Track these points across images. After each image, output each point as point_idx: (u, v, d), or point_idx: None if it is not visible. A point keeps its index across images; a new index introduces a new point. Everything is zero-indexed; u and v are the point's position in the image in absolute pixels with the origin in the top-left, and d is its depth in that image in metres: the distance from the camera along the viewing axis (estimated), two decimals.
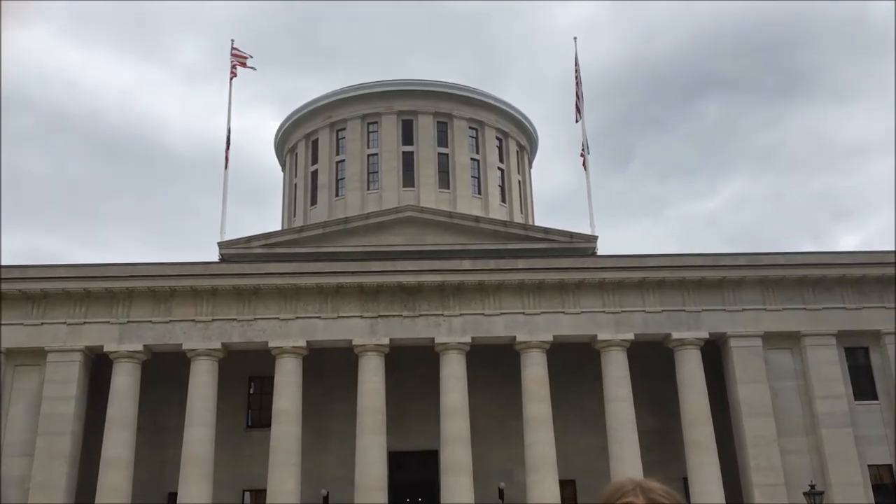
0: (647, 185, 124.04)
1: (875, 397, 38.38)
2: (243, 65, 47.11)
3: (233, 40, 47.57)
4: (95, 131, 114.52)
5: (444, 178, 51.12)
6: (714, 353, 39.61)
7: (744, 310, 38.65)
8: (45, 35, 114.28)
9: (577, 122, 47.81)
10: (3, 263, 38.14)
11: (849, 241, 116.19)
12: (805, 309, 38.84)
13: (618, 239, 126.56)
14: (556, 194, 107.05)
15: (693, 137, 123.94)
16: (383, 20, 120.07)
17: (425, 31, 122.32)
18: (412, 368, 39.84)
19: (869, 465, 37.04)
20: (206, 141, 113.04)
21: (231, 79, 47.14)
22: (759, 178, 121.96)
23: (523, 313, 38.18)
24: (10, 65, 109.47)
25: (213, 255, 42.12)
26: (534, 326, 38.00)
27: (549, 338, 37.85)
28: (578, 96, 47.73)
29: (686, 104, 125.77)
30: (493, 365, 40.21)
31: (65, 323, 37.38)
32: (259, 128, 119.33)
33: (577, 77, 47.99)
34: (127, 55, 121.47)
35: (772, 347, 38.54)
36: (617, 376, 37.64)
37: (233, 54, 47.20)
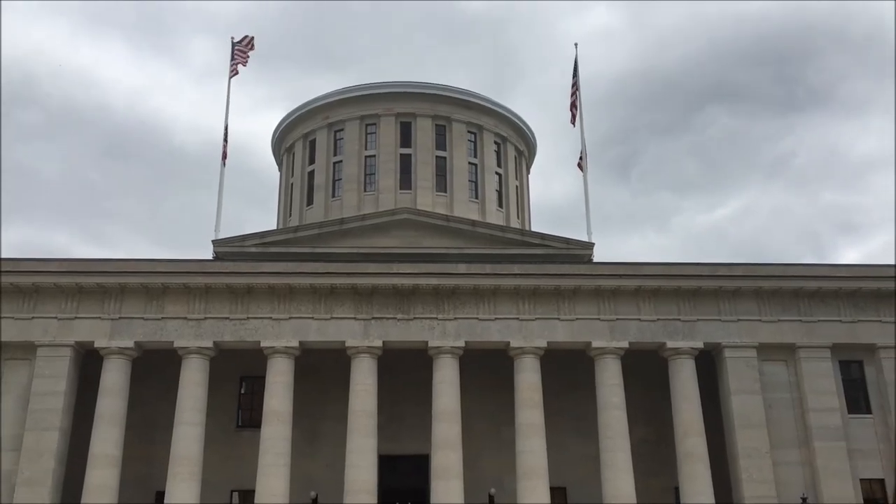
0: (654, 194, 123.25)
1: (869, 411, 38.30)
2: (244, 62, 46.96)
3: (233, 38, 47.51)
4: (104, 128, 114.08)
5: (442, 181, 50.97)
6: (709, 363, 39.47)
7: (739, 320, 38.52)
8: (59, 31, 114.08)
9: (573, 125, 47.84)
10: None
11: (852, 255, 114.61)
12: (801, 321, 38.74)
13: (621, 249, 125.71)
14: (559, 205, 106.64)
15: (700, 148, 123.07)
16: (397, 25, 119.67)
17: (437, 40, 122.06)
18: (405, 372, 39.58)
19: (861, 479, 36.92)
20: (213, 139, 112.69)
21: (231, 76, 47.00)
22: (767, 191, 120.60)
23: (518, 318, 38.00)
24: (22, 60, 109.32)
25: (210, 254, 41.90)
26: (528, 332, 37.80)
27: (544, 344, 37.66)
28: (574, 103, 47.68)
29: (694, 114, 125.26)
30: (487, 370, 40.00)
31: (56, 318, 37.09)
32: (266, 129, 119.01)
33: (574, 82, 47.97)
34: (139, 53, 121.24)
35: (766, 359, 38.42)
36: (611, 384, 37.45)
37: (236, 51, 47.05)
